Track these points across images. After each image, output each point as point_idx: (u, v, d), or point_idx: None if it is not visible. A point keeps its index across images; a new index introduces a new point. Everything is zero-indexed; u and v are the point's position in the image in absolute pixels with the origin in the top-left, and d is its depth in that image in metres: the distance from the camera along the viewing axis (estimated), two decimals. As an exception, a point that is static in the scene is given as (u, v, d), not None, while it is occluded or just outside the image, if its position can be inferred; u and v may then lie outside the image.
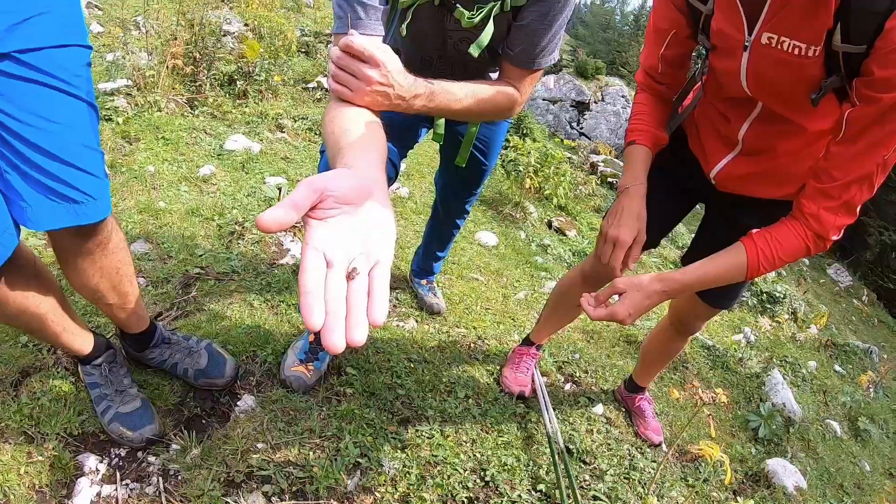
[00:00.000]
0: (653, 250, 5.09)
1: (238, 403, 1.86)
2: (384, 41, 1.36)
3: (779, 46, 1.19)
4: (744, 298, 5.27)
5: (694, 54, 1.57)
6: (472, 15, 1.43)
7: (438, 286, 2.86)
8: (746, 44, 1.25)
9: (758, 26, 1.21)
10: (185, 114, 3.87)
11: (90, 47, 1.26)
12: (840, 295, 11.30)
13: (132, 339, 1.80)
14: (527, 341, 2.41)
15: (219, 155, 3.53)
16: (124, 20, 5.16)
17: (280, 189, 3.11)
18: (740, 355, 3.66)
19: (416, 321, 2.59)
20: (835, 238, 1.29)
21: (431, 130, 1.99)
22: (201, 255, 2.54)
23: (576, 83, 8.72)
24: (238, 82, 4.35)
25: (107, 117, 3.44)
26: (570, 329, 3.04)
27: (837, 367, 5.26)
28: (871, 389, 5.05)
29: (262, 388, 1.94)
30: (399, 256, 3.05)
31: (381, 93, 1.21)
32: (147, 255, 2.45)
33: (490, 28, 1.44)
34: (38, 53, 1.11)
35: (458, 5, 1.45)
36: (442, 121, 1.94)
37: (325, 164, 1.51)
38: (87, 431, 1.67)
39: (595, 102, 10.80)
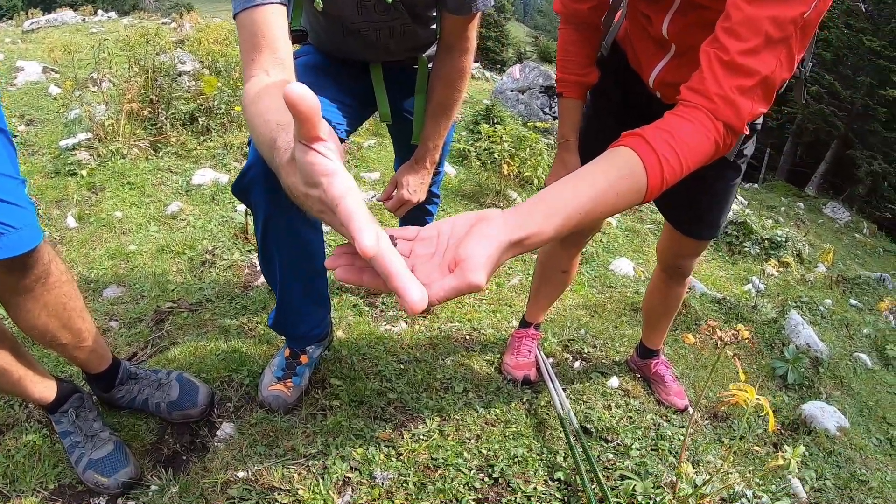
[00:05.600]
0: (645, 215, 4.94)
1: (217, 433, 1.74)
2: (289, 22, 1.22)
3: None
4: (746, 248, 5.11)
5: None
6: None
7: (425, 284, 2.68)
8: None
9: None
10: (150, 157, 3.85)
11: None
12: (841, 232, 11.19)
13: (96, 379, 1.72)
14: (523, 323, 2.25)
15: (187, 191, 3.50)
16: (78, 78, 5.09)
17: (247, 212, 3.00)
18: (753, 303, 3.49)
19: (406, 322, 2.42)
20: (745, 133, 0.97)
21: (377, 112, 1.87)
22: (173, 290, 2.49)
23: (541, 69, 8.57)
24: (200, 119, 4.31)
25: (71, 172, 3.49)
26: (572, 306, 2.89)
27: (853, 301, 5.14)
28: (892, 316, 4.89)
29: (240, 414, 1.81)
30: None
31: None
32: (120, 299, 2.40)
33: None
34: None
35: None
36: (384, 97, 1.80)
37: (255, 152, 1.35)
38: (64, 483, 1.59)
39: (563, 84, 10.59)
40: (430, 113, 1.75)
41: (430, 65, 1.82)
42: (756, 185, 15.12)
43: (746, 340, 1.29)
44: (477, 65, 16.87)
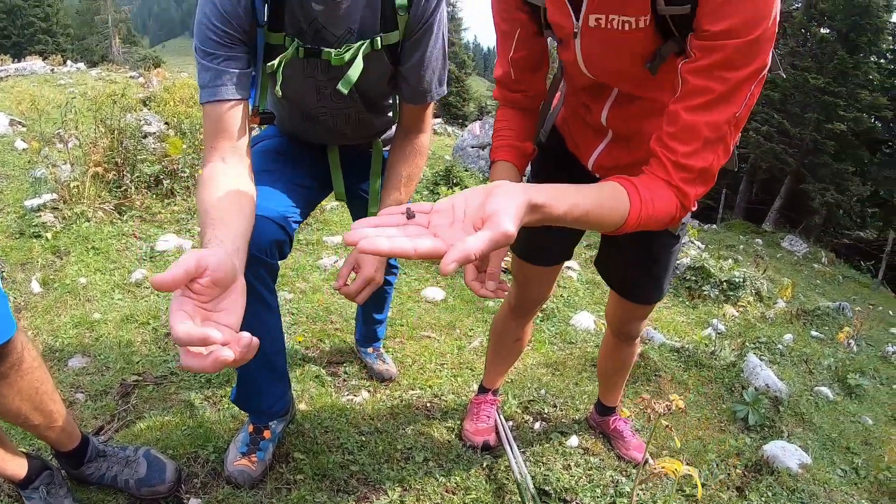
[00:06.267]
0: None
1: (184, 509, 1.74)
2: (252, 107, 1.45)
3: (608, 26, 1.14)
4: (705, 292, 5.22)
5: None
6: (340, 53, 1.45)
7: (387, 351, 2.72)
8: (576, 30, 1.19)
9: (583, 10, 1.15)
10: (114, 220, 3.86)
11: None
12: (800, 263, 11.46)
13: (66, 457, 1.73)
14: (482, 389, 2.29)
15: (151, 258, 3.51)
16: (45, 135, 5.12)
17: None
18: (711, 349, 3.57)
19: (369, 391, 2.44)
20: (693, 209, 1.15)
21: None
22: (138, 362, 2.48)
23: (500, 123, 8.85)
24: (164, 182, 4.33)
25: (36, 234, 3.50)
26: (533, 365, 2.93)
27: (814, 333, 5.24)
28: (852, 344, 5.01)
29: (207, 489, 1.82)
30: (343, 329, 2.92)
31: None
32: (85, 370, 2.40)
33: (359, 63, 1.44)
34: None
35: (322, 48, 1.46)
36: (340, 179, 1.88)
37: None
38: (34, 561, 1.56)
39: (523, 138, 10.73)
40: (390, 188, 1.70)
41: (385, 148, 1.90)
42: (714, 226, 15.29)
43: (679, 410, 1.36)
44: (439, 120, 17.12)
